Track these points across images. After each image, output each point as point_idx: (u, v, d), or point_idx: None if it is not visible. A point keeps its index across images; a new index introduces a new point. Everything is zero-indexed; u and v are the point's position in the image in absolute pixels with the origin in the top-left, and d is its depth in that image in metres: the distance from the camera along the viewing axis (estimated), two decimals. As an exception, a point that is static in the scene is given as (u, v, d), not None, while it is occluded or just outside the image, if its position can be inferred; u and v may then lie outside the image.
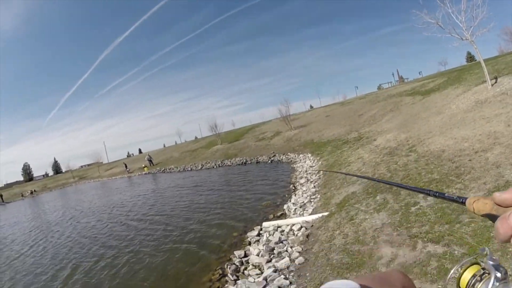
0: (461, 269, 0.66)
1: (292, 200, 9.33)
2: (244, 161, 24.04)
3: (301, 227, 6.77)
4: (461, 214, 4.26)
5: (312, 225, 6.63)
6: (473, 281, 0.63)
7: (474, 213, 0.65)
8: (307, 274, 4.75)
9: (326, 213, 6.83)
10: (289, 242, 6.32)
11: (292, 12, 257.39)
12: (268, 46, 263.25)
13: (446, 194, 0.81)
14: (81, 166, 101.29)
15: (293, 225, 7.03)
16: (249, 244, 7.04)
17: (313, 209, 7.76)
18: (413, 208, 5.08)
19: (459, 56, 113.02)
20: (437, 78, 23.06)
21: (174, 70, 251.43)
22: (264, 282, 4.93)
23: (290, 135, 25.71)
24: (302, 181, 11.54)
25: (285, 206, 8.99)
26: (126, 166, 48.16)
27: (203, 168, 27.65)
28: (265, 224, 7.72)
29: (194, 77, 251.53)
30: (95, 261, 8.43)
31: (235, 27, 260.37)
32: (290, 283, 4.74)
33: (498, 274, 0.59)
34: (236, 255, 6.42)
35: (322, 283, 4.21)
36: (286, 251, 5.93)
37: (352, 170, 9.36)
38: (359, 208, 6.08)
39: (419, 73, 73.00)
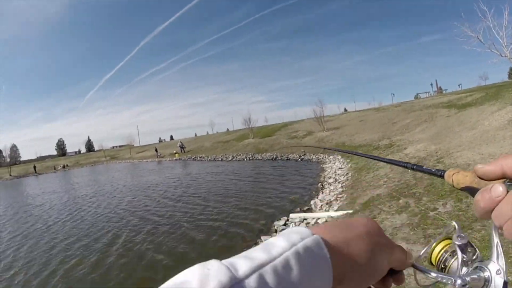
0: (434, 243, 0.62)
1: (319, 197, 9.86)
2: (275, 157, 24.65)
3: (326, 221, 7.30)
4: (474, 222, 4.70)
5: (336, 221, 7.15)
6: (445, 256, 0.60)
7: (453, 186, 0.61)
8: (328, 261, 5.32)
9: (350, 211, 7.32)
10: (314, 233, 6.88)
11: (332, 14, 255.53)
12: (307, 46, 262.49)
13: (424, 167, 0.82)
14: (113, 147, 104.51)
15: (319, 218, 7.58)
16: (275, 232, 7.63)
17: (338, 207, 8.27)
18: (431, 213, 5.53)
19: (501, 70, 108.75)
20: (475, 92, 22.72)
21: (212, 62, 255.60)
22: (288, 265, 5.53)
23: (322, 136, 26.05)
24: (330, 180, 12.02)
25: (312, 202, 9.54)
26: (157, 151, 50.13)
27: (234, 159, 28.54)
28: (292, 215, 8.32)
29: (231, 70, 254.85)
30: (136, 231, 9.36)
31: (276, 24, 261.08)
32: (312, 266, 5.32)
33: (464, 256, 0.55)
34: (263, 240, 6.99)
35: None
36: (310, 240, 6.49)
37: (380, 175, 9.76)
38: (382, 209, 6.56)
39: (459, 85, 71.24)
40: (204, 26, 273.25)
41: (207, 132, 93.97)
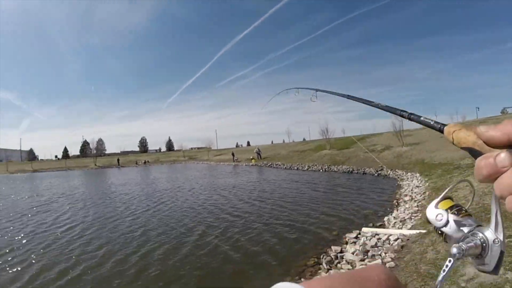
0: (437, 202, 0.62)
1: (393, 214, 9.92)
2: (351, 170, 24.60)
3: (398, 238, 7.45)
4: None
5: (408, 239, 7.27)
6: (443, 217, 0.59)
7: (453, 143, 0.57)
8: (396, 276, 5.58)
9: (424, 231, 7.38)
10: (384, 248, 7.08)
11: (410, 19, 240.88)
12: (384, 54, 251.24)
13: (422, 118, 0.77)
14: (191, 148, 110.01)
15: (390, 235, 7.73)
16: (346, 243, 7.96)
17: (412, 226, 8.32)
18: (506, 240, 5.53)
19: None
20: None
21: (290, 70, 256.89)
22: (356, 275, 5.89)
23: (401, 151, 25.28)
24: (406, 198, 11.92)
25: (385, 218, 9.65)
26: (233, 155, 52.56)
27: (309, 169, 28.97)
28: (364, 229, 8.57)
29: (308, 78, 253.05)
30: (225, 226, 10.27)
31: (353, 32, 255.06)
32: (379, 279, 5.62)
33: (461, 221, 0.54)
34: (333, 250, 7.38)
35: (406, 284, 5.05)
36: (380, 255, 6.70)
37: (458, 196, 9.52)
38: (456, 232, 6.59)
39: (551, 98, 63.05)
40: (282, 34, 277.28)
41: (284, 140, 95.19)
